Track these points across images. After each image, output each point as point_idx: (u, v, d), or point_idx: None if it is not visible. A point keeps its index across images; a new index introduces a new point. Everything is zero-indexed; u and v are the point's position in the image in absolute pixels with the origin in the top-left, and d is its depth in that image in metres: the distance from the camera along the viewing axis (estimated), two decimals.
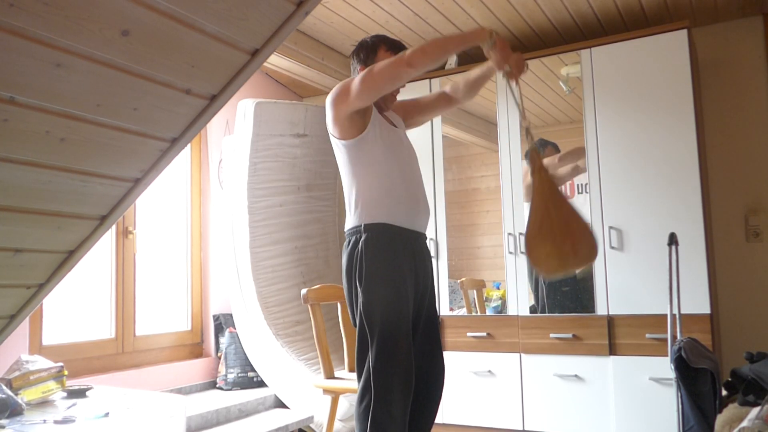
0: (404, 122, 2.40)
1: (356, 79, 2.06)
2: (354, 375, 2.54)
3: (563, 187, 3.46)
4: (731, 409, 2.21)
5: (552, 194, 2.00)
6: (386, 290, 2.03)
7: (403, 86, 2.27)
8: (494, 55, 2.04)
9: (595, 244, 1.97)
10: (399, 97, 2.35)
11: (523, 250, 3.41)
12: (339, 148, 2.18)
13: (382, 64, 2.03)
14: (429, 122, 3.71)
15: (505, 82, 2.13)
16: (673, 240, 2.64)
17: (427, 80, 3.73)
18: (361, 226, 2.10)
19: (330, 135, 2.20)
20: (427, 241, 3.64)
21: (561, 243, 1.96)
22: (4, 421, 2.07)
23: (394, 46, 2.23)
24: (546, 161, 3.47)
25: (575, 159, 3.37)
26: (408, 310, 2.06)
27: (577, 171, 3.38)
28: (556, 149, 3.46)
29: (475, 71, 2.34)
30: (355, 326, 2.09)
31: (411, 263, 2.12)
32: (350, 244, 2.12)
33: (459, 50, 2.05)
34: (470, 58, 3.93)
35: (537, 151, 2.05)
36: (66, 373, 2.53)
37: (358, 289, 2.06)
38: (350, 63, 2.31)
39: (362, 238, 2.08)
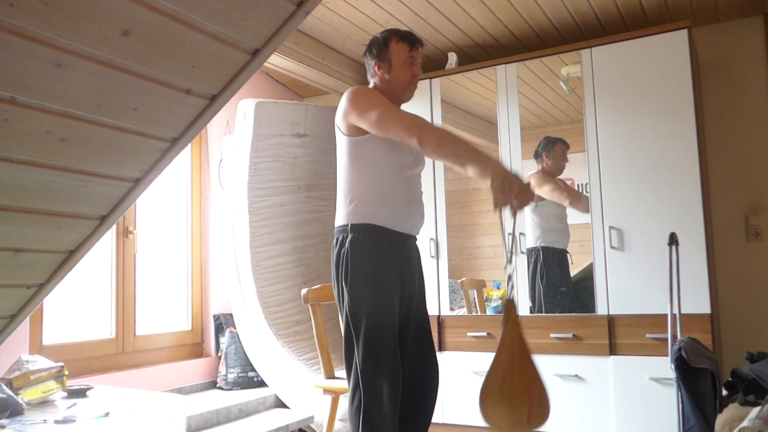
0: None
1: (374, 113, 2.04)
2: None
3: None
4: (731, 409, 2.21)
5: (520, 351, 1.90)
6: (371, 291, 2.04)
7: (415, 86, 2.27)
8: (496, 197, 1.90)
9: (548, 412, 1.90)
10: (411, 108, 2.33)
11: (523, 250, 3.41)
12: (342, 142, 2.17)
13: (402, 120, 2.02)
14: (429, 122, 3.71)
15: (498, 211, 2.01)
16: (673, 240, 2.64)
17: (428, 80, 3.73)
18: (348, 225, 2.10)
19: (336, 127, 2.19)
20: (428, 241, 3.66)
21: (518, 408, 1.88)
22: (4, 421, 2.07)
23: (405, 37, 2.22)
24: (548, 188, 3.46)
25: (576, 199, 3.37)
26: (393, 310, 2.06)
27: (561, 200, 3.42)
28: (565, 144, 3.45)
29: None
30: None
31: (397, 265, 2.11)
32: (337, 243, 2.12)
33: (467, 166, 1.92)
34: (470, 58, 3.93)
35: (512, 302, 1.94)
36: (66, 372, 2.54)
37: (344, 289, 2.07)
38: (364, 61, 2.30)
39: (348, 238, 2.08)
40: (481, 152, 1.96)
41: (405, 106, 2.30)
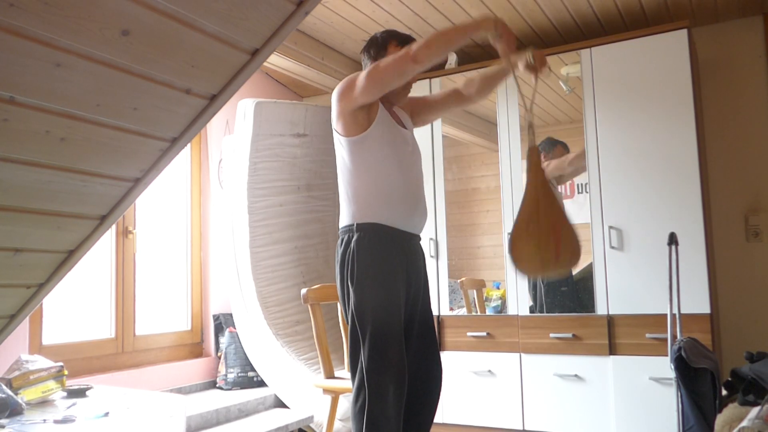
0: (413, 120, 2.38)
1: (362, 74, 2.05)
2: None
3: (564, 186, 3.46)
4: (731, 409, 2.21)
5: (545, 194, 1.99)
6: (377, 290, 2.03)
7: (409, 91, 2.27)
8: (500, 46, 1.99)
9: (579, 250, 1.96)
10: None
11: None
12: (340, 144, 2.17)
13: (388, 60, 2.02)
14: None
15: (514, 76, 2.13)
16: (673, 240, 2.64)
17: (427, 80, 3.73)
18: (353, 225, 2.10)
19: (333, 130, 2.19)
20: (428, 241, 3.66)
21: (545, 246, 1.95)
22: (4, 421, 2.07)
23: (405, 41, 2.21)
24: (555, 162, 3.47)
25: (583, 161, 3.37)
26: (399, 310, 2.06)
27: (579, 171, 3.38)
28: (566, 149, 3.45)
29: (493, 68, 2.30)
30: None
31: (403, 264, 2.11)
32: (343, 243, 2.12)
33: (464, 42, 2.00)
34: (470, 58, 3.93)
35: (537, 148, 2.04)
36: (66, 372, 2.54)
37: (350, 288, 2.06)
38: (361, 60, 2.30)
39: (354, 238, 2.08)
40: (461, 24, 2.01)
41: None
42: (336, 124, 2.15)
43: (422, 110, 2.40)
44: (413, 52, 1.96)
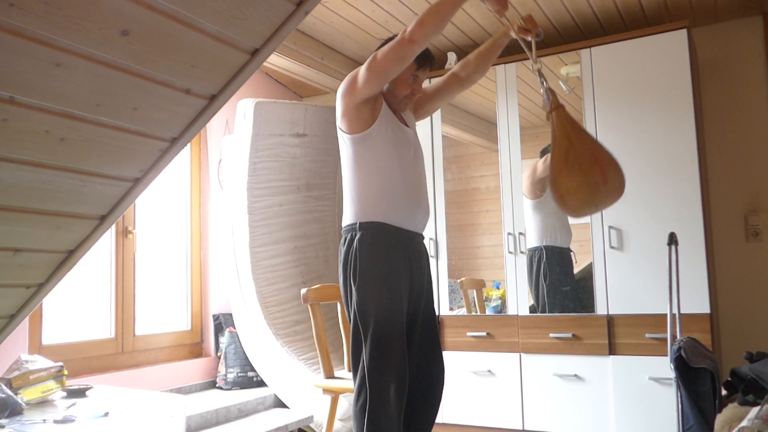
0: (415, 113, 2.38)
1: (362, 67, 2.05)
2: None
3: None
4: (731, 409, 2.21)
5: (573, 128, 1.93)
6: (380, 289, 2.04)
7: (411, 101, 2.27)
8: (491, 5, 2.01)
9: (623, 174, 1.86)
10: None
11: (522, 250, 3.41)
12: (344, 143, 2.17)
13: (386, 47, 2.01)
14: (429, 121, 3.72)
15: (514, 33, 2.14)
16: (672, 240, 2.63)
17: (427, 80, 3.73)
18: (356, 223, 2.10)
19: (338, 128, 2.20)
20: (428, 241, 3.67)
21: (589, 172, 1.86)
22: (3, 421, 2.07)
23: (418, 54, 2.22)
24: (542, 164, 3.47)
25: None
26: (402, 309, 2.06)
27: None
28: None
29: (485, 43, 2.30)
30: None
31: (405, 263, 2.12)
32: (346, 242, 2.13)
33: (456, 10, 1.96)
34: None
35: (552, 89, 2.00)
36: (66, 372, 2.53)
37: (353, 287, 2.07)
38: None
39: (357, 236, 2.08)
40: None
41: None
42: (340, 122, 2.15)
43: (424, 102, 2.39)
44: (408, 34, 1.95)
